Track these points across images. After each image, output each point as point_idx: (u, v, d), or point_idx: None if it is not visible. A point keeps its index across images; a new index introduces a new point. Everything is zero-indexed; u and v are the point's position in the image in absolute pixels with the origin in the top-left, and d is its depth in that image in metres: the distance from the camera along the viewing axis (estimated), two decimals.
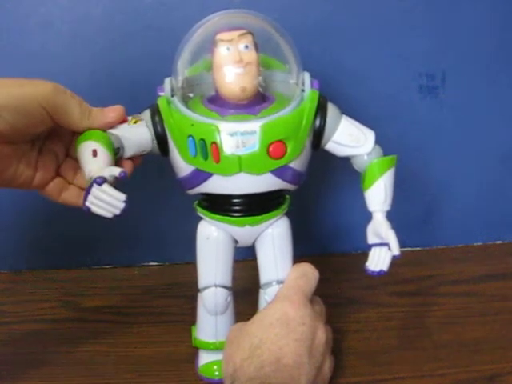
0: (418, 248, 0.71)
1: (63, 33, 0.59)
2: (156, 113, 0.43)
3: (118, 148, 0.42)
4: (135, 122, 0.43)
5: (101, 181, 0.37)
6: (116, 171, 0.38)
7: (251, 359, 0.40)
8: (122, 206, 0.38)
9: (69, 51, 0.60)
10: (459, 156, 0.68)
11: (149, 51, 0.59)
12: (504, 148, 0.68)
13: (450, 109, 0.65)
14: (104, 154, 0.39)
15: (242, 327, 0.44)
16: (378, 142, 0.45)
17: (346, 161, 0.46)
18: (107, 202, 0.37)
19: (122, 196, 0.37)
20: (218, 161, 0.42)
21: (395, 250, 0.43)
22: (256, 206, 0.45)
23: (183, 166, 0.44)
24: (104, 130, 0.42)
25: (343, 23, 0.61)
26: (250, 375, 0.40)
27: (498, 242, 0.72)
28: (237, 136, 0.41)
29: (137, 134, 0.43)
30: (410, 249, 0.70)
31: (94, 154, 0.39)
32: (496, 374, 0.48)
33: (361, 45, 0.61)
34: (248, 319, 0.44)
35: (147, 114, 0.44)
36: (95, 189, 0.37)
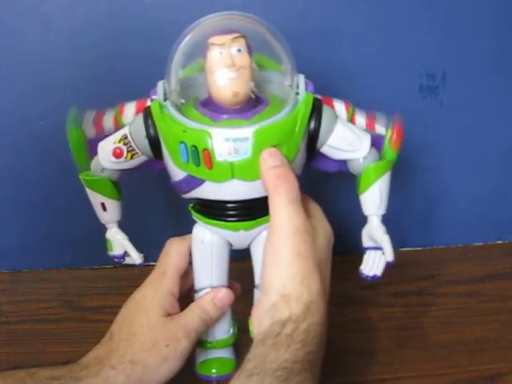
0: (418, 248, 0.71)
1: (63, 33, 0.59)
2: (149, 116, 0.42)
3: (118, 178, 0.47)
4: (132, 157, 0.44)
5: (120, 256, 0.50)
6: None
7: (323, 295, 0.40)
8: (139, 262, 0.49)
9: (69, 51, 0.60)
10: (459, 156, 0.67)
11: (149, 51, 0.59)
12: (504, 148, 0.68)
13: (450, 109, 0.65)
14: (112, 206, 0.47)
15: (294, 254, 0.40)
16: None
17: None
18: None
19: (139, 260, 0.49)
20: (210, 167, 0.41)
21: (389, 255, 0.43)
22: (250, 211, 0.44)
23: (176, 171, 0.43)
24: (107, 176, 0.45)
25: (343, 23, 0.61)
26: (322, 311, 0.39)
27: (498, 242, 0.72)
28: (229, 142, 0.40)
29: (135, 163, 0.45)
30: (410, 249, 0.70)
31: (104, 207, 0.47)
32: (496, 374, 0.49)
33: (361, 45, 0.61)
34: (245, 319, 0.42)
35: (140, 117, 0.43)
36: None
